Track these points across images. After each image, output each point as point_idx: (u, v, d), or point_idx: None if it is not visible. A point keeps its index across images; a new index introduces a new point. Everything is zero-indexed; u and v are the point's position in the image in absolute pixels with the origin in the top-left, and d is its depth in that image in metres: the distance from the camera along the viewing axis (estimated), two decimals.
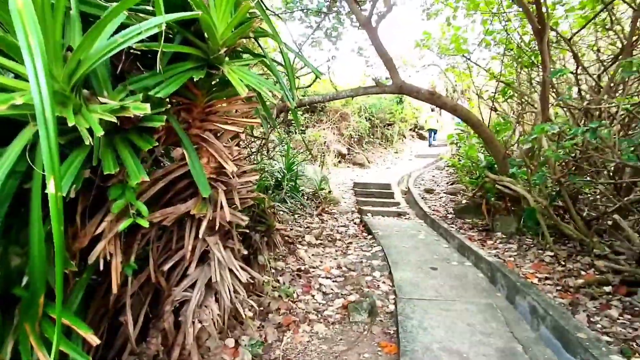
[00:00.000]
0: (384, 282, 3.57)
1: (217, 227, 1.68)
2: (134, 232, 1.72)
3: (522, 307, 3.11)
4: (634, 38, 4.39)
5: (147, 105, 1.13)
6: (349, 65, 17.30)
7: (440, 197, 7.70)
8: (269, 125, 3.78)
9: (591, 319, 2.82)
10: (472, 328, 2.64)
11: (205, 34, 1.47)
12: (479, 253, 4.26)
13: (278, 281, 3.42)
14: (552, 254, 4.18)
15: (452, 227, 5.63)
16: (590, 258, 3.98)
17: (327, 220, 6.00)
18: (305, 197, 6.94)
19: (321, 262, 4.11)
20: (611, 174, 4.17)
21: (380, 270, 3.86)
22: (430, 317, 2.77)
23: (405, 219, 6.42)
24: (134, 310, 1.89)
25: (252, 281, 2.17)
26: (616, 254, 3.90)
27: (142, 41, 1.18)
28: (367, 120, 12.16)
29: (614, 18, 5.02)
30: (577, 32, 5.61)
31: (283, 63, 2.25)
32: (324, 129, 10.52)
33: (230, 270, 1.93)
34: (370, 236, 5.22)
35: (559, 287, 3.41)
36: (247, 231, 2.56)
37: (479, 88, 10.08)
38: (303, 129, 10.23)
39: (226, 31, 1.50)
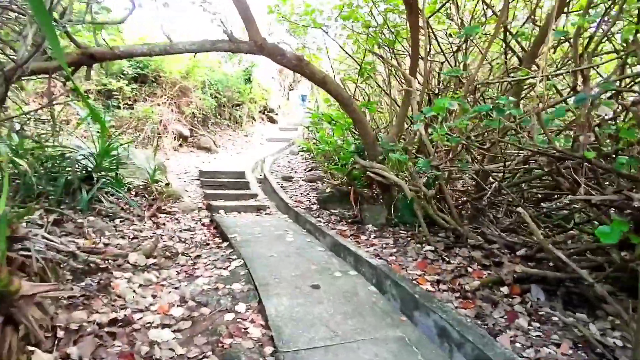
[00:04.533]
0: (253, 322, 2.45)
1: None
2: None
3: (425, 326, 2.47)
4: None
5: None
6: (193, 25, 14.57)
7: (300, 185, 6.97)
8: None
9: (505, 334, 2.33)
10: None
11: None
12: (359, 255, 3.58)
13: (66, 356, 1.92)
14: (432, 248, 3.79)
15: (321, 222, 4.89)
16: (467, 249, 3.74)
17: (164, 224, 4.46)
18: (134, 193, 5.17)
19: (154, 297, 2.71)
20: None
21: (246, 300, 2.72)
22: None
23: (266, 214, 5.40)
24: None
25: None
26: (489, 243, 3.74)
27: None
28: (213, 98, 10.55)
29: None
30: (431, 16, 5.47)
31: None
32: (159, 105, 8.50)
33: None
34: (225, 243, 3.99)
35: (456, 293, 2.92)
36: None
37: (335, 70, 9.75)
38: (130, 102, 8.02)
39: None
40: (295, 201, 5.78)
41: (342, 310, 2.54)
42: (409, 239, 4.20)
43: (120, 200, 4.62)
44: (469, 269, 3.33)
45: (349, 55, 7.08)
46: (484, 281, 3.00)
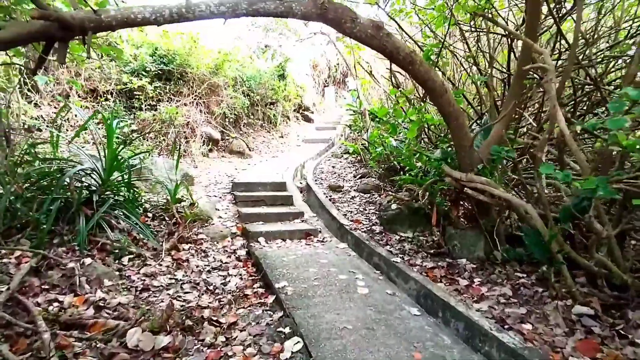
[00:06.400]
0: None
1: None
2: None
3: None
4: None
5: None
6: None
7: (353, 197, 5.70)
8: None
9: None
10: None
11: None
12: (477, 324, 2.30)
13: None
14: (589, 310, 2.44)
15: (394, 254, 3.61)
16: None
17: (186, 261, 3.34)
18: (151, 216, 4.10)
19: None
20: None
21: None
22: None
23: (319, 241, 4.16)
24: None
25: None
26: None
27: None
28: (245, 97, 9.47)
29: None
30: None
31: None
32: (185, 105, 7.49)
33: None
34: (271, 297, 2.78)
35: None
36: None
37: (369, 64, 8.42)
38: (153, 103, 7.03)
39: None
40: (351, 221, 4.53)
41: None
42: (536, 288, 2.85)
43: (132, 225, 3.54)
44: None
45: (408, 36, 5.76)
46: None
